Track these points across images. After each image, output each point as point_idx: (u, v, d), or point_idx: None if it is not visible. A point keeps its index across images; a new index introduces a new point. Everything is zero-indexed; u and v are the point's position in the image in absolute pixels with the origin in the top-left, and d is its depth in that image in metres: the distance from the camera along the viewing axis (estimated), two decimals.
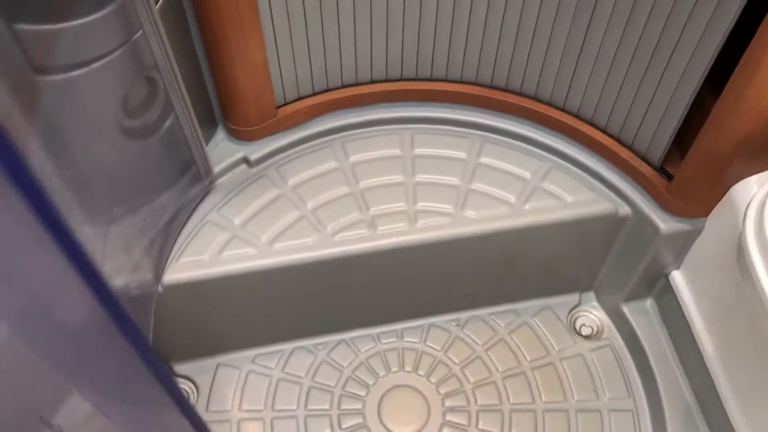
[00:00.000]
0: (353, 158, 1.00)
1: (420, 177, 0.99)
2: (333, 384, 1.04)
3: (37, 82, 0.68)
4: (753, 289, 0.73)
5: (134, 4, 0.70)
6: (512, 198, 0.97)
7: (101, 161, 0.79)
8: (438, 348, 1.08)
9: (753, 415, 0.85)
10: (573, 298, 1.13)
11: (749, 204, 0.78)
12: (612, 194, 0.98)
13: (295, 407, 1.01)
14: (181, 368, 1.04)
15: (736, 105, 0.76)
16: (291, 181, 0.98)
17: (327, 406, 1.02)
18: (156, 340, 0.95)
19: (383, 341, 1.08)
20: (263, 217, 0.94)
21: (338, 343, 1.07)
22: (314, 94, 1.01)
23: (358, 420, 1.01)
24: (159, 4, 0.78)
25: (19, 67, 0.65)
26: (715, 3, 0.75)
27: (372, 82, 1.02)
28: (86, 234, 0.72)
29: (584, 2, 0.86)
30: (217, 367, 1.04)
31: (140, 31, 0.73)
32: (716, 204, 0.89)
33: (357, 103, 1.03)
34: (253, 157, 0.99)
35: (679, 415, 0.97)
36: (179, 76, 0.81)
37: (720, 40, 0.77)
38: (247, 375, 1.04)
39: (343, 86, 1.02)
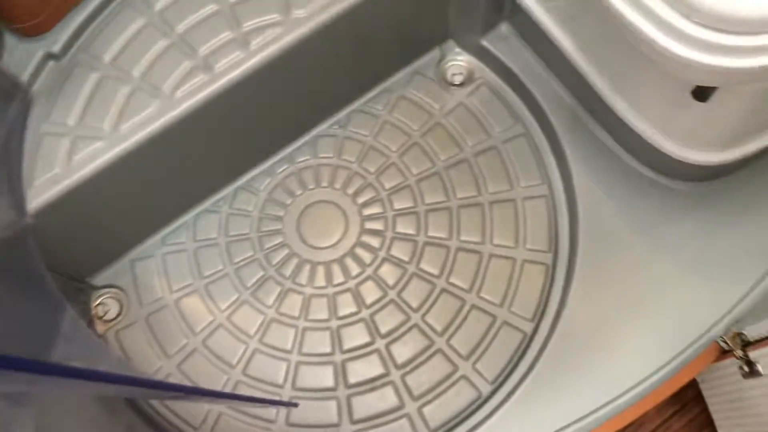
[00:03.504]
0: (158, 6, 0.92)
1: None
2: (247, 232, 1.04)
3: None
4: None
5: None
6: None
7: None
8: (330, 155, 1.08)
9: (623, 90, 0.88)
10: (435, 53, 1.11)
11: None
12: None
13: (221, 266, 1.02)
14: (99, 280, 1.02)
15: None
16: (107, 57, 0.90)
17: (251, 253, 1.03)
18: (57, 266, 0.93)
19: (278, 171, 1.07)
20: (95, 105, 0.87)
21: (236, 191, 1.06)
22: None
23: (279, 240, 1.03)
24: None
25: None
26: None
27: None
28: None
29: None
30: (133, 264, 1.03)
31: None
32: None
33: None
34: (56, 48, 0.90)
35: (565, 118, 1.01)
36: None
37: None
38: (164, 258, 1.03)
39: None
